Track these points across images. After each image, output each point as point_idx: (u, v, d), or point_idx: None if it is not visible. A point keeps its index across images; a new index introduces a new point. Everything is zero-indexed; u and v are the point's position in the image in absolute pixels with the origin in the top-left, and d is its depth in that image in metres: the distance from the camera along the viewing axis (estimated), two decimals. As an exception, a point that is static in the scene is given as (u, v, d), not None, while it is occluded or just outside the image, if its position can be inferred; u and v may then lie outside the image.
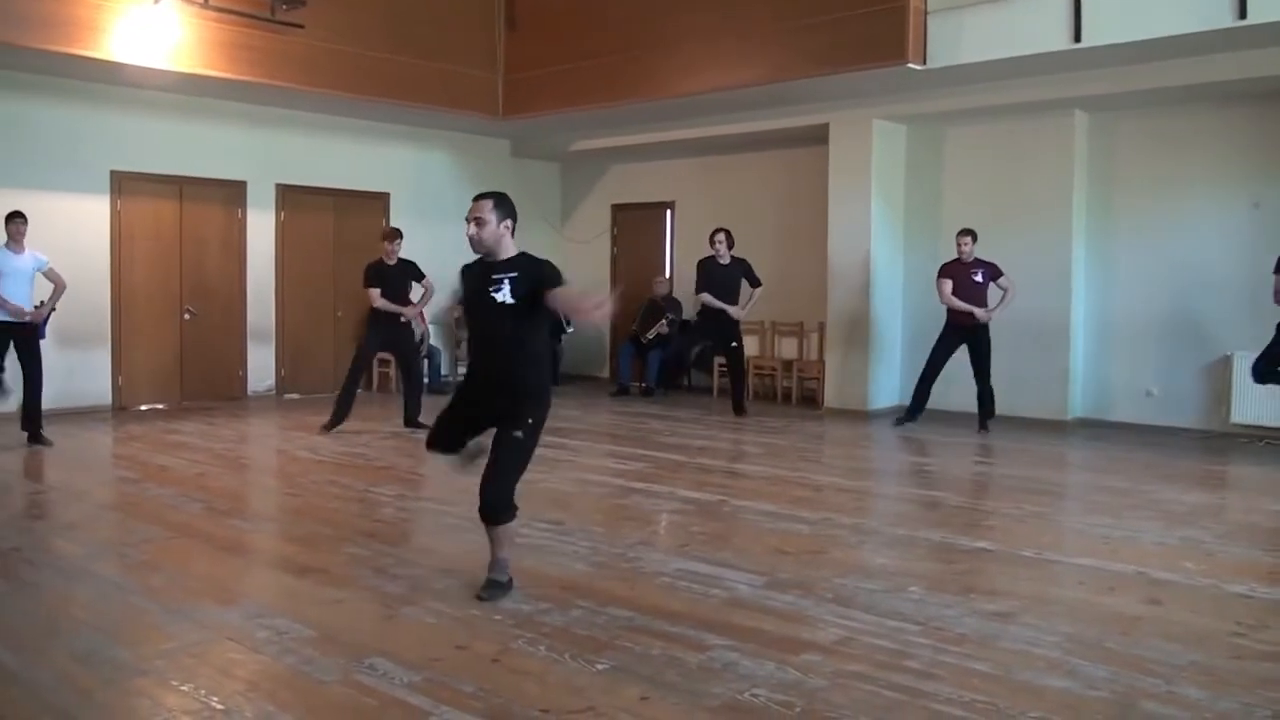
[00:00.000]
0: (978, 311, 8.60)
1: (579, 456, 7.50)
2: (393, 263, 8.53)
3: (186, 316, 10.20)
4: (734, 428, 9.20)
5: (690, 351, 11.31)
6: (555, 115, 10.92)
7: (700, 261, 10.04)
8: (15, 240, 7.52)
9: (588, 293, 3.83)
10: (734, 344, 9.93)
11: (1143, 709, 3.08)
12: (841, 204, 10.04)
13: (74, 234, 9.22)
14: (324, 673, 3.33)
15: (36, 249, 7.73)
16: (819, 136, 10.14)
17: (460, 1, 10.76)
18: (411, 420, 8.61)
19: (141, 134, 9.70)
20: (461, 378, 12.34)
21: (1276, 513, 5.99)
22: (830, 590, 4.25)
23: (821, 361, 10.60)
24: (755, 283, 9.88)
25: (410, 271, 8.66)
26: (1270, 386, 7.76)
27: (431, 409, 9.01)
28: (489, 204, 4.07)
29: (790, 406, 10.68)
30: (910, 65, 8.22)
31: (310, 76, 9.47)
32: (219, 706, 3.06)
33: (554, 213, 13.59)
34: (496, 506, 4.04)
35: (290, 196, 10.90)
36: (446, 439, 4.35)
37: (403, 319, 8.54)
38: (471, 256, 4.21)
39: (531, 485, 4.66)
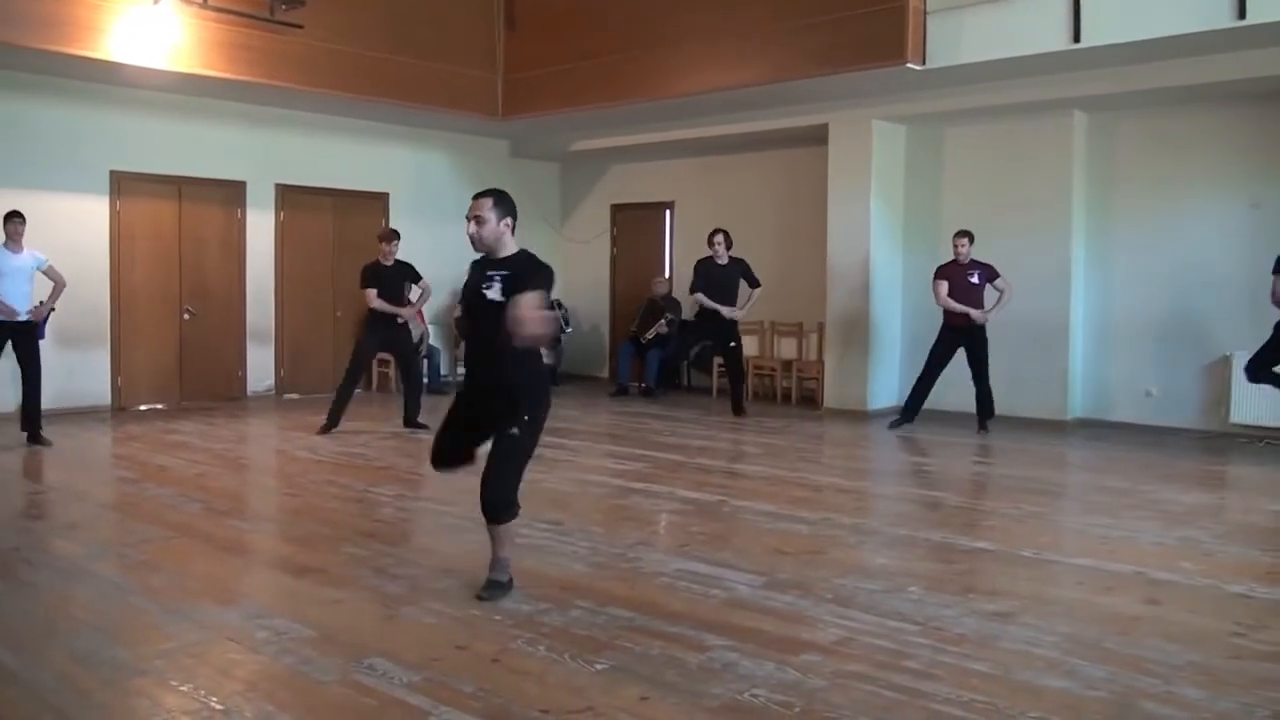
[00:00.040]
0: (973, 313, 8.61)
1: (578, 457, 7.51)
2: (389, 264, 8.53)
3: (186, 316, 10.20)
4: (733, 428, 9.21)
5: (689, 351, 11.31)
6: (555, 115, 10.92)
7: (698, 261, 10.04)
8: (14, 240, 7.52)
9: (539, 309, 3.75)
10: (732, 344, 9.93)
11: (1141, 709, 3.09)
12: (841, 204, 10.04)
13: (73, 234, 9.22)
14: (323, 673, 3.33)
15: (36, 249, 7.73)
16: (818, 137, 10.15)
17: (459, 1, 10.76)
18: (411, 420, 8.61)
19: (141, 134, 9.70)
20: (461, 378, 12.38)
21: (1275, 513, 5.99)
22: (830, 590, 4.25)
23: (821, 362, 10.60)
24: (754, 283, 9.88)
25: (407, 273, 8.66)
26: (1267, 387, 7.76)
27: (431, 409, 9.08)
28: (489, 202, 4.07)
29: (790, 407, 10.68)
30: (910, 65, 8.22)
31: (309, 77, 9.47)
32: (218, 707, 3.06)
33: (553, 213, 13.59)
34: (497, 505, 4.05)
35: (290, 196, 10.90)
36: (449, 453, 4.30)
37: (399, 320, 8.54)
38: (473, 256, 4.22)
39: (531, 485, 4.65)
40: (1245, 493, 6.76)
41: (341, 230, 11.24)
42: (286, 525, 5.63)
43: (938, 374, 8.84)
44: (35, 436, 7.67)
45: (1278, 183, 8.31)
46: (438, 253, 10.57)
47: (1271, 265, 7.48)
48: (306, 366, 11.02)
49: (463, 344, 11.60)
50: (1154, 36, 7.33)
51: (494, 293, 3.99)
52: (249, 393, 10.68)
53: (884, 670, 3.36)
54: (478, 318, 4.13)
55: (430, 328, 11.66)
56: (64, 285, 7.78)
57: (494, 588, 4.10)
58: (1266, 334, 7.52)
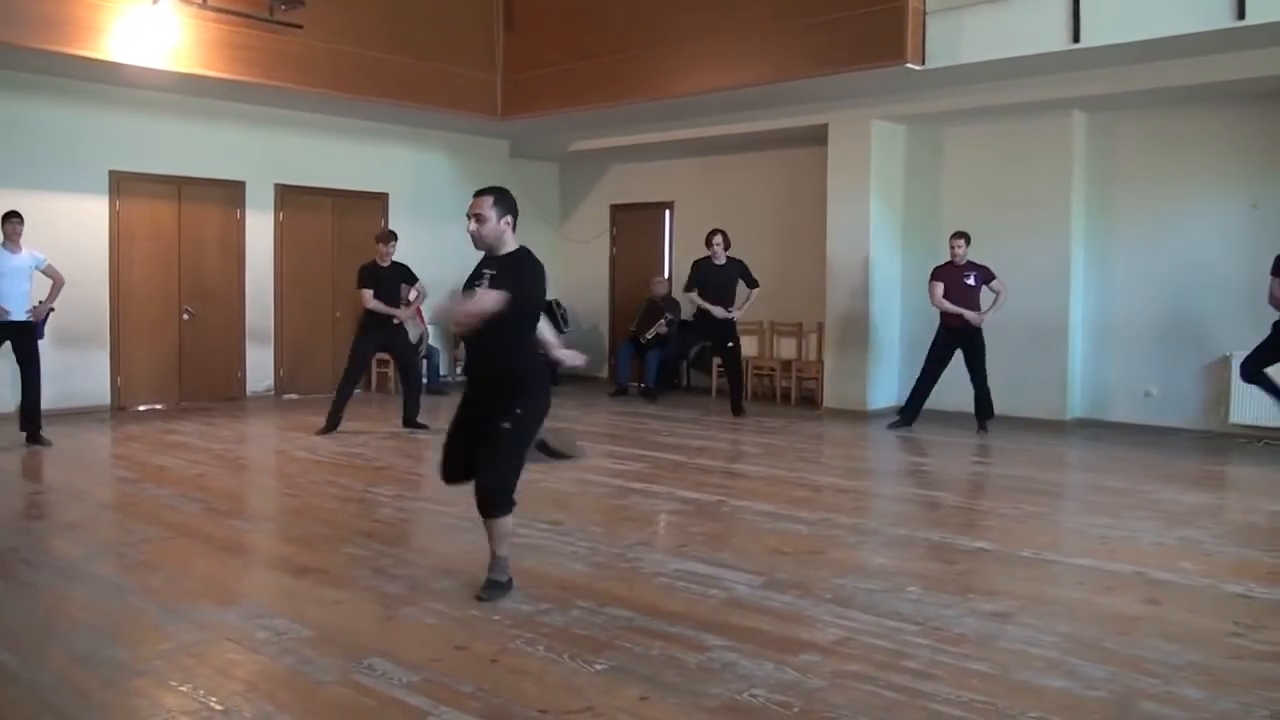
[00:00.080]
0: (968, 315, 8.61)
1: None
2: (386, 265, 8.53)
3: (185, 317, 10.20)
4: (732, 428, 9.21)
5: (689, 352, 11.31)
6: (554, 115, 10.91)
7: (695, 261, 10.04)
8: (11, 240, 7.52)
9: (476, 307, 3.90)
10: (730, 344, 9.93)
11: (1141, 709, 3.09)
12: (840, 204, 10.04)
13: (73, 234, 9.22)
14: (323, 673, 3.33)
15: (36, 249, 7.72)
16: (818, 137, 10.15)
17: (459, 2, 10.75)
18: (410, 421, 8.61)
19: (140, 134, 9.70)
20: (461, 378, 12.36)
21: (1275, 513, 5.99)
22: (829, 590, 4.25)
23: (820, 362, 10.60)
24: (752, 283, 9.87)
25: (403, 274, 8.65)
26: (1264, 394, 7.76)
27: (430, 409, 9.09)
28: (489, 200, 4.07)
29: (789, 407, 10.68)
30: (909, 65, 8.22)
31: (309, 77, 9.47)
32: (218, 707, 3.06)
33: (553, 213, 13.59)
34: (490, 499, 4.04)
35: (289, 197, 10.90)
36: (454, 466, 4.25)
37: (395, 321, 8.52)
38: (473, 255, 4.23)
39: (530, 485, 4.66)
40: (1245, 493, 6.76)
41: (341, 230, 11.24)
42: (286, 525, 5.63)
43: (937, 375, 8.84)
44: (35, 437, 7.67)
45: (1277, 183, 8.31)
46: (437, 253, 10.56)
47: (1270, 266, 7.49)
48: (306, 367, 11.02)
49: (462, 344, 11.67)
50: (1153, 36, 7.33)
51: (483, 290, 4.01)
52: (248, 393, 10.68)
53: (883, 670, 3.36)
54: None
55: (430, 328, 11.65)
56: (63, 283, 7.77)
57: (493, 588, 4.10)
58: (1265, 334, 7.53)
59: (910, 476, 7.40)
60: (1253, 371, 7.63)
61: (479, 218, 4.06)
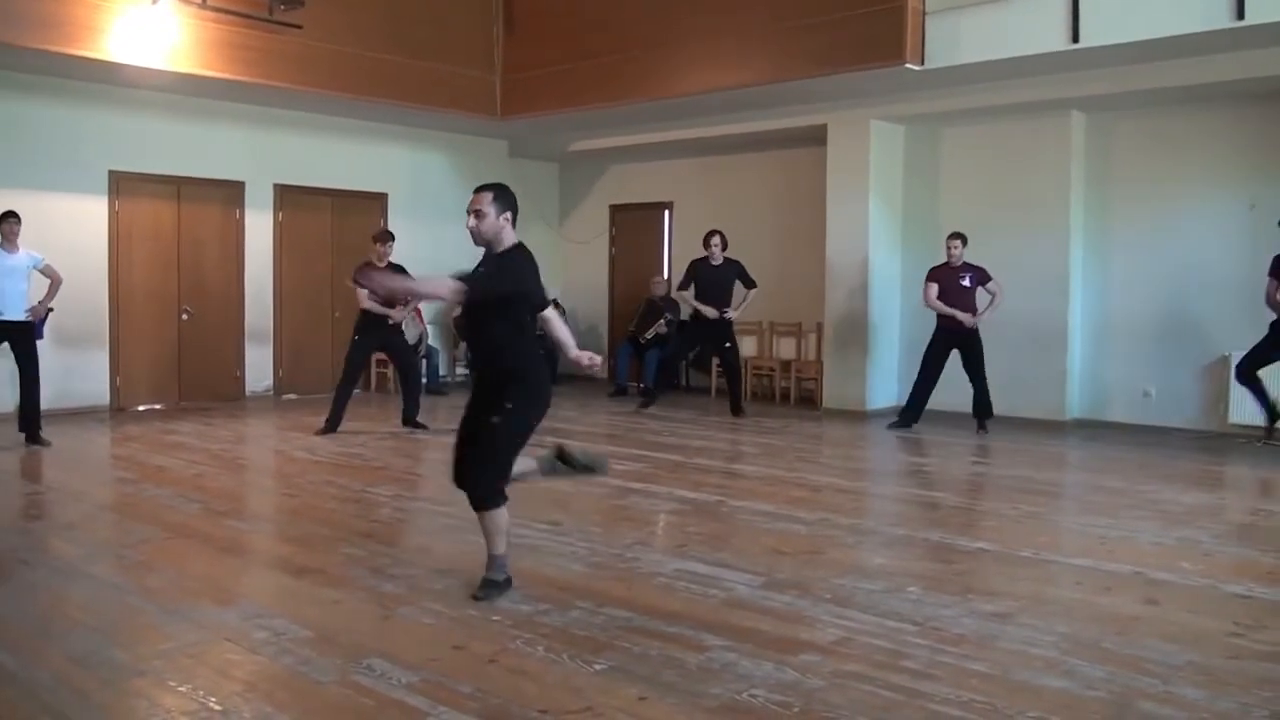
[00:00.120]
0: (961, 317, 8.61)
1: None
2: (382, 265, 8.52)
3: (184, 317, 10.19)
4: (731, 428, 9.21)
5: (688, 354, 11.29)
6: (554, 115, 10.92)
7: (692, 262, 10.04)
8: (9, 240, 7.51)
9: (404, 284, 4.43)
10: (727, 344, 9.93)
11: (1140, 709, 3.08)
12: (839, 204, 10.04)
13: (72, 234, 9.22)
14: (321, 673, 3.33)
15: (35, 249, 7.72)
16: (817, 137, 10.15)
17: (458, 2, 10.76)
18: (410, 419, 8.60)
19: (139, 134, 9.70)
20: (460, 378, 12.36)
21: (1274, 513, 6.00)
22: (828, 590, 4.25)
23: (819, 362, 10.60)
24: (749, 284, 9.85)
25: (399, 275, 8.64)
26: (1267, 385, 7.77)
27: (430, 409, 9.08)
28: (488, 196, 4.08)
29: (788, 407, 10.68)
30: (908, 65, 8.22)
31: (308, 77, 9.47)
32: (216, 707, 3.06)
33: (552, 213, 13.59)
34: (475, 491, 4.07)
35: (288, 197, 10.89)
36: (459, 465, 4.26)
37: (390, 321, 8.51)
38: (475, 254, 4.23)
39: (529, 485, 4.65)
40: (1243, 493, 6.77)
41: (340, 230, 11.23)
42: (285, 526, 5.63)
43: (935, 375, 8.85)
44: (34, 437, 7.67)
45: (1276, 183, 8.31)
46: (436, 253, 10.54)
47: (1268, 266, 7.50)
48: (305, 367, 11.02)
49: (462, 344, 11.67)
50: (1152, 37, 7.34)
51: (439, 276, 4.09)
52: (247, 393, 10.68)
53: (882, 670, 3.36)
54: (465, 310, 4.23)
55: (429, 328, 11.66)
56: (60, 283, 7.76)
57: (489, 587, 4.10)
58: (1264, 334, 7.54)
59: (909, 477, 7.40)
60: (1248, 373, 7.64)
61: (478, 214, 4.06)
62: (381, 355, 10.21)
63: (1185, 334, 8.80)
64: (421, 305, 10.83)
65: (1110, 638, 3.69)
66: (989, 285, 8.71)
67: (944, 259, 8.80)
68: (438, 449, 7.80)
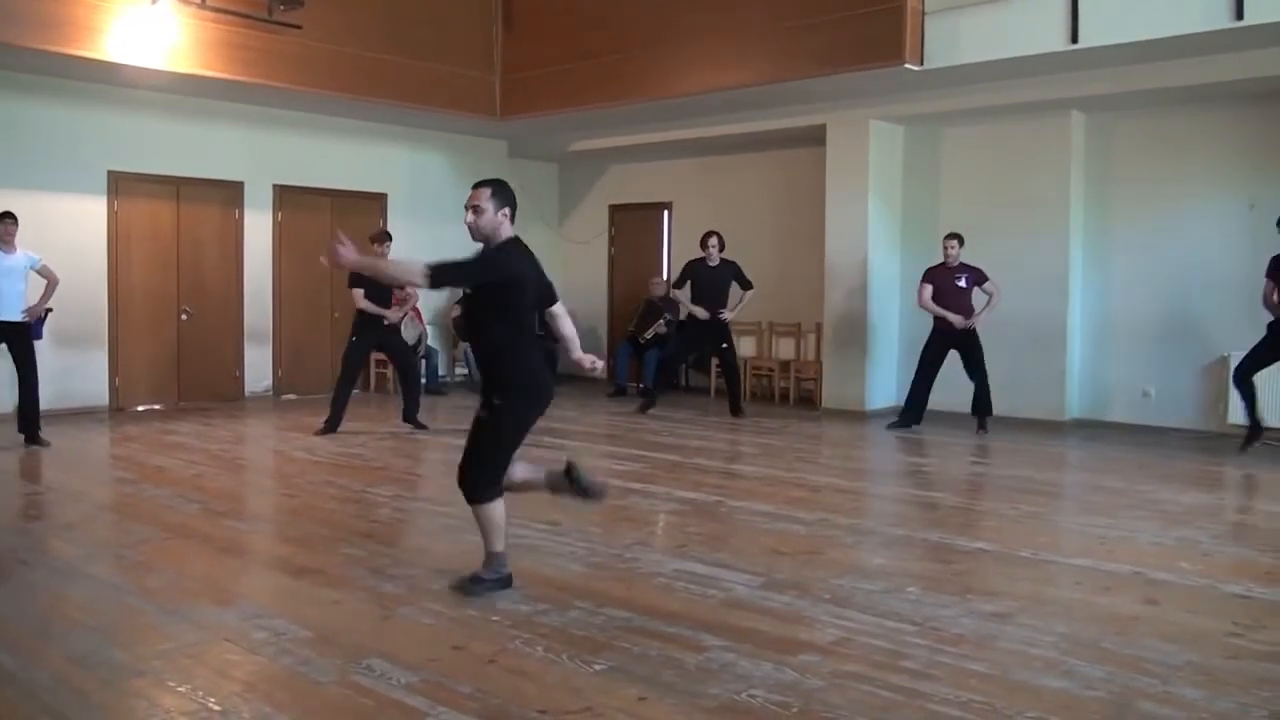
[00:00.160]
0: (953, 319, 8.61)
1: (576, 457, 7.49)
2: None
3: (183, 317, 10.19)
4: (731, 428, 9.21)
5: (687, 356, 11.29)
6: (553, 116, 10.92)
7: (688, 263, 10.04)
8: (6, 240, 7.50)
9: (358, 256, 4.29)
10: (724, 345, 9.93)
11: (1139, 709, 3.09)
12: (839, 204, 10.05)
13: (71, 234, 9.22)
14: (321, 673, 3.33)
15: (34, 250, 7.72)
16: (816, 137, 10.15)
17: (458, 2, 10.76)
18: (411, 417, 8.60)
19: (139, 134, 9.70)
20: (459, 378, 12.35)
21: (1273, 513, 6.00)
22: (827, 590, 4.25)
23: (819, 362, 10.60)
24: (746, 285, 9.83)
25: None
26: (1262, 389, 7.75)
27: (428, 409, 9.08)
28: (487, 192, 4.09)
29: (788, 407, 10.68)
30: (908, 66, 8.23)
31: (307, 77, 9.47)
32: (216, 707, 3.05)
33: (552, 213, 13.59)
34: (465, 485, 4.12)
35: (287, 197, 10.89)
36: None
37: (386, 322, 8.49)
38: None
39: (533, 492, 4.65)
40: (1243, 493, 6.77)
41: (339, 231, 11.19)
42: (284, 526, 5.63)
43: (932, 375, 8.85)
44: (33, 437, 7.66)
45: (1275, 183, 8.31)
46: (436, 253, 10.38)
47: (1265, 267, 7.50)
48: (304, 367, 11.01)
49: (461, 345, 11.67)
50: (1151, 37, 7.34)
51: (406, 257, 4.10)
52: (247, 393, 10.67)
53: (881, 670, 3.36)
54: (464, 310, 4.29)
55: (428, 328, 11.66)
56: (57, 283, 7.75)
57: (474, 582, 4.14)
58: (1262, 335, 7.54)
59: (909, 477, 7.40)
60: (1245, 377, 7.63)
61: (476, 209, 4.08)
62: (382, 355, 10.21)
63: (1185, 334, 8.80)
64: (420, 305, 10.82)
65: (1109, 638, 3.69)
66: (986, 286, 8.71)
67: (942, 259, 8.81)
68: (437, 449, 7.81)
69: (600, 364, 4.51)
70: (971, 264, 8.73)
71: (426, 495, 6.38)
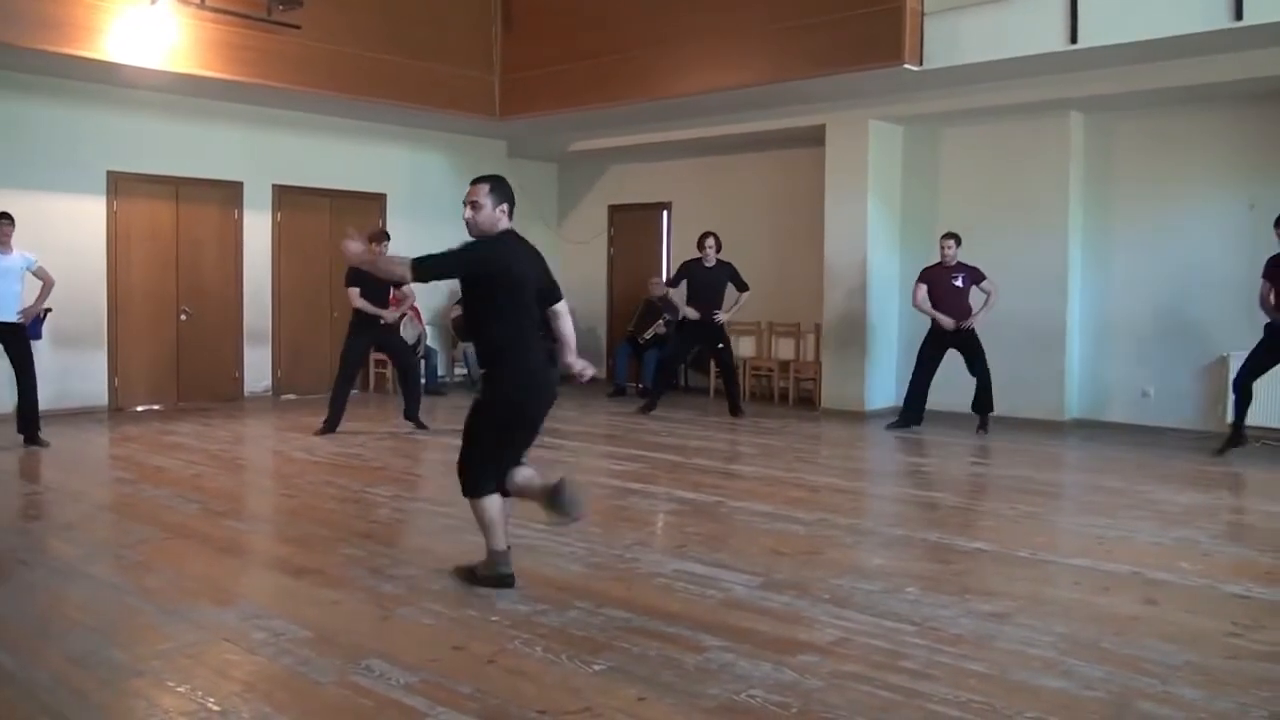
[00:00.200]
0: (943, 321, 8.62)
1: (576, 457, 7.50)
2: None
3: (183, 317, 10.19)
4: (730, 428, 9.21)
5: (685, 355, 11.29)
6: (552, 116, 10.92)
7: (684, 262, 10.03)
8: (3, 241, 7.49)
9: (367, 256, 4.46)
10: (720, 345, 9.92)
11: (1138, 709, 3.09)
12: (838, 205, 10.05)
13: (70, 234, 9.23)
14: (320, 674, 3.33)
15: (33, 250, 7.72)
16: (816, 137, 10.16)
17: (457, 2, 10.76)
18: (412, 415, 8.59)
19: (138, 135, 9.70)
20: (458, 378, 12.34)
21: (1272, 513, 6.00)
22: (826, 591, 4.25)
23: (818, 362, 10.61)
24: (741, 286, 9.79)
25: None
26: (1263, 388, 7.74)
27: (428, 409, 9.07)
28: (485, 188, 4.13)
29: (787, 407, 10.68)
30: (907, 66, 8.23)
31: (306, 77, 9.47)
32: (215, 708, 3.05)
33: (551, 213, 13.59)
34: (460, 479, 4.20)
35: (286, 197, 10.89)
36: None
37: (382, 321, 8.49)
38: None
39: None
40: (1242, 493, 6.77)
41: (338, 231, 11.04)
42: (283, 526, 5.63)
43: (930, 374, 8.86)
44: (32, 438, 7.66)
45: (1275, 183, 8.31)
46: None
47: (1262, 268, 7.50)
48: (303, 367, 11.01)
49: (460, 344, 11.67)
50: (1151, 37, 7.35)
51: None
52: (246, 393, 10.67)
53: (881, 670, 3.36)
54: (464, 310, 4.32)
55: (427, 328, 11.65)
56: (53, 285, 7.74)
57: (468, 573, 4.23)
58: (1260, 337, 7.55)
59: (908, 477, 7.40)
60: (1244, 384, 7.60)
61: (474, 205, 4.12)
62: (381, 355, 10.21)
63: (1184, 334, 8.80)
64: (419, 305, 10.83)
65: (1108, 638, 3.69)
66: (983, 284, 8.71)
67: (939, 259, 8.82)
68: (436, 449, 7.80)
69: (590, 373, 4.50)
70: (969, 263, 8.73)
71: (426, 495, 6.38)
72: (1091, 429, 9.03)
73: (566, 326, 4.45)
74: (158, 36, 8.46)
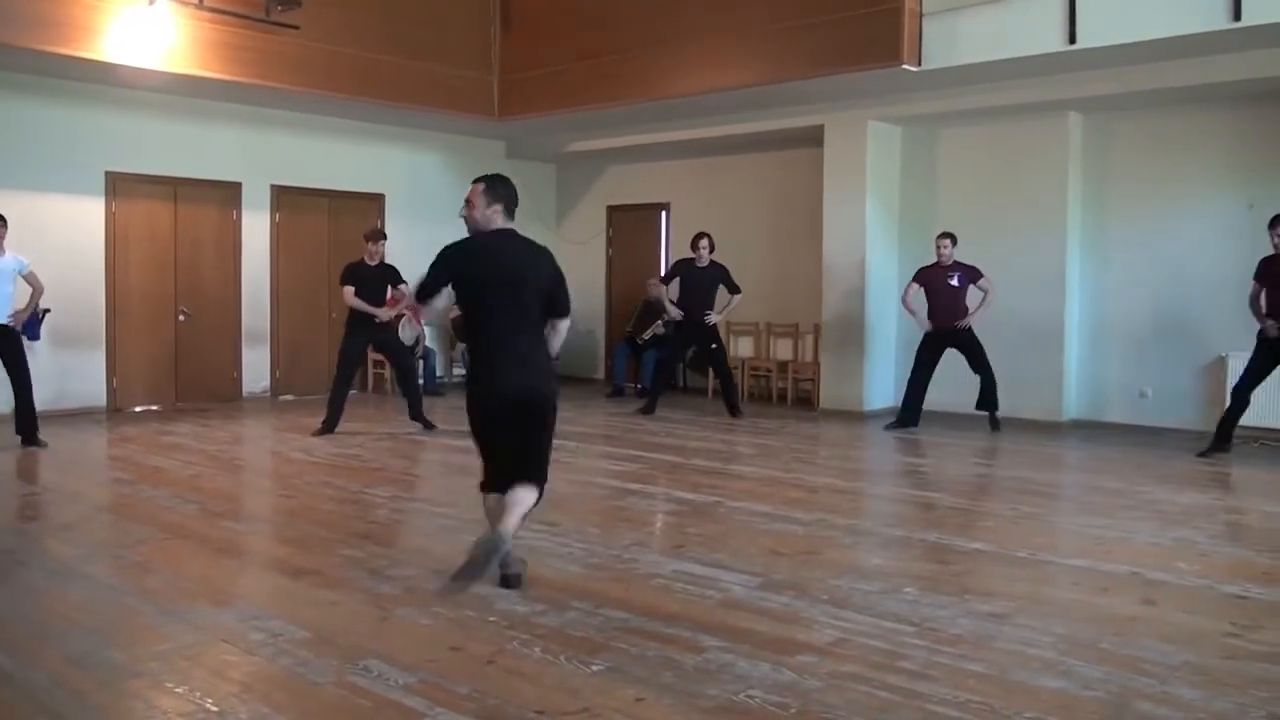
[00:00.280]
0: (919, 323, 8.65)
1: (574, 458, 7.50)
2: (374, 264, 8.51)
3: (181, 318, 10.18)
4: (729, 429, 9.20)
5: (683, 355, 11.29)
6: (551, 116, 10.92)
7: (677, 261, 10.03)
8: None
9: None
10: (713, 345, 9.91)
11: (1137, 709, 3.09)
12: (836, 205, 10.05)
13: (69, 235, 9.22)
14: (318, 674, 3.32)
15: (31, 251, 7.71)
16: (814, 138, 10.16)
17: (456, 2, 10.76)
18: (417, 415, 8.59)
19: (136, 135, 9.69)
20: (457, 379, 12.34)
21: (1271, 513, 6.00)
22: (825, 591, 4.25)
23: (817, 363, 10.61)
24: (732, 289, 9.72)
25: (390, 275, 8.62)
26: (1260, 394, 7.73)
27: (427, 410, 9.05)
28: (479, 188, 4.22)
29: (786, 408, 10.68)
30: (905, 66, 8.23)
31: (305, 77, 9.46)
32: (213, 708, 3.05)
33: (549, 214, 13.59)
34: None
35: (285, 197, 10.89)
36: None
37: (378, 320, 8.48)
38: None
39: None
40: (1240, 493, 6.77)
41: (337, 231, 11.22)
42: (282, 527, 5.63)
43: (927, 374, 8.86)
44: (31, 438, 7.65)
45: (1273, 183, 8.32)
46: (433, 254, 10.51)
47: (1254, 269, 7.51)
48: (302, 368, 11.01)
49: (459, 345, 11.66)
50: (1149, 38, 7.35)
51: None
52: (244, 394, 10.67)
53: (879, 671, 3.36)
54: (463, 312, 4.34)
55: (426, 329, 11.65)
56: (42, 291, 7.72)
57: (463, 567, 4.19)
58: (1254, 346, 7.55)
59: (906, 477, 7.41)
60: (1243, 395, 7.56)
61: (468, 204, 4.22)
62: (380, 356, 10.20)
63: (1182, 334, 8.81)
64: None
65: (1107, 638, 3.69)
66: (980, 283, 8.72)
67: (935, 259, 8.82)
68: (435, 450, 7.80)
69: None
70: (966, 262, 8.73)
71: (424, 496, 6.38)
72: (1090, 429, 9.03)
73: (553, 341, 4.32)
74: (156, 37, 8.45)
